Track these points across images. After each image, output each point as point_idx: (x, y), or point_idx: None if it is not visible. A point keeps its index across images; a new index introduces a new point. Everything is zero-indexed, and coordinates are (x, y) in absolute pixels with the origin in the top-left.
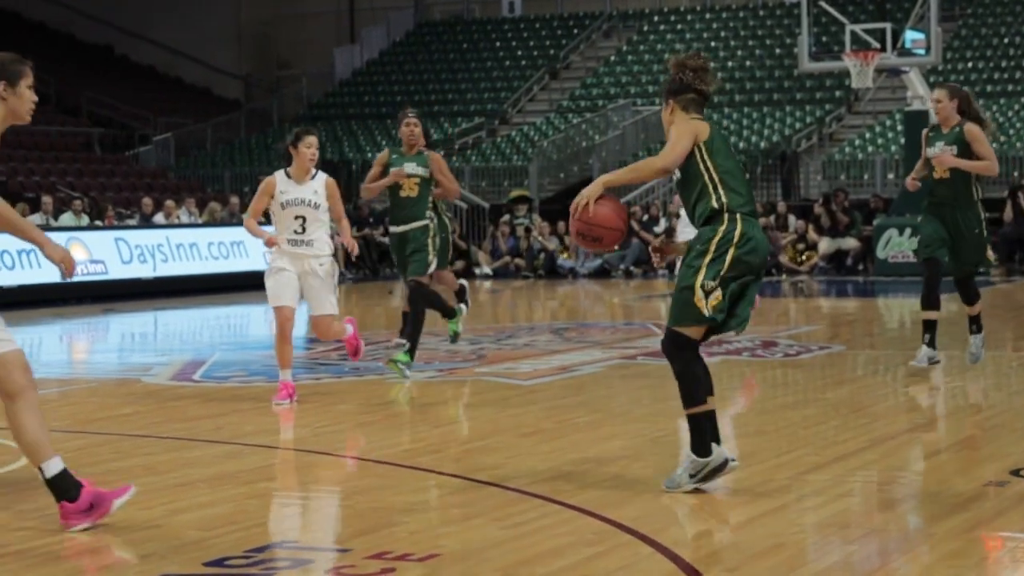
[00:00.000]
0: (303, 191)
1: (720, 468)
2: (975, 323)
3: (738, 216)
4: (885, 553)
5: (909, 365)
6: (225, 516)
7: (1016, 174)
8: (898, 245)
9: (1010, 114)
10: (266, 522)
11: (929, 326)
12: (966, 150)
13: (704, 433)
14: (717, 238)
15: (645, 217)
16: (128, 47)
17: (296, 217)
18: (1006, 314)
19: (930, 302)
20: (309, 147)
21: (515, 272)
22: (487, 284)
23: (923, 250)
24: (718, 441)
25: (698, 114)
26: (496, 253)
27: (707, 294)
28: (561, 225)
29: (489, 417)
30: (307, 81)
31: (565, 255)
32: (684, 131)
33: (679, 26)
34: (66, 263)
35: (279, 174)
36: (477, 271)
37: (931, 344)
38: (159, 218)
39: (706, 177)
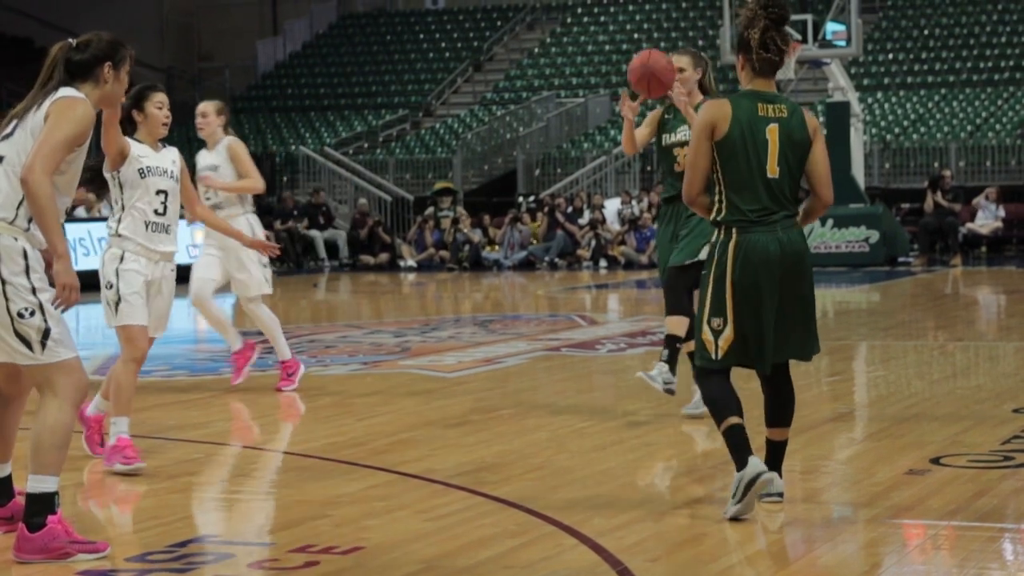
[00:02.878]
0: (162, 160)
1: (754, 480)
2: (670, 346)
3: (734, 229)
4: (807, 541)
5: (638, 376)
6: (147, 510)
7: (936, 164)
8: (820, 236)
9: (930, 105)
10: (188, 516)
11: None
12: None
13: (735, 447)
14: (714, 260)
15: (569, 209)
16: (49, 40)
17: (158, 192)
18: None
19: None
20: (161, 107)
21: (440, 265)
22: (411, 277)
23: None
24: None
25: (767, 77)
26: (420, 246)
27: (714, 333)
28: (485, 217)
29: (413, 410)
30: (230, 73)
31: (490, 248)
32: (695, 130)
33: (602, 18)
34: (69, 293)
35: (128, 139)
36: (401, 264)
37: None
38: (80, 212)
39: (717, 183)
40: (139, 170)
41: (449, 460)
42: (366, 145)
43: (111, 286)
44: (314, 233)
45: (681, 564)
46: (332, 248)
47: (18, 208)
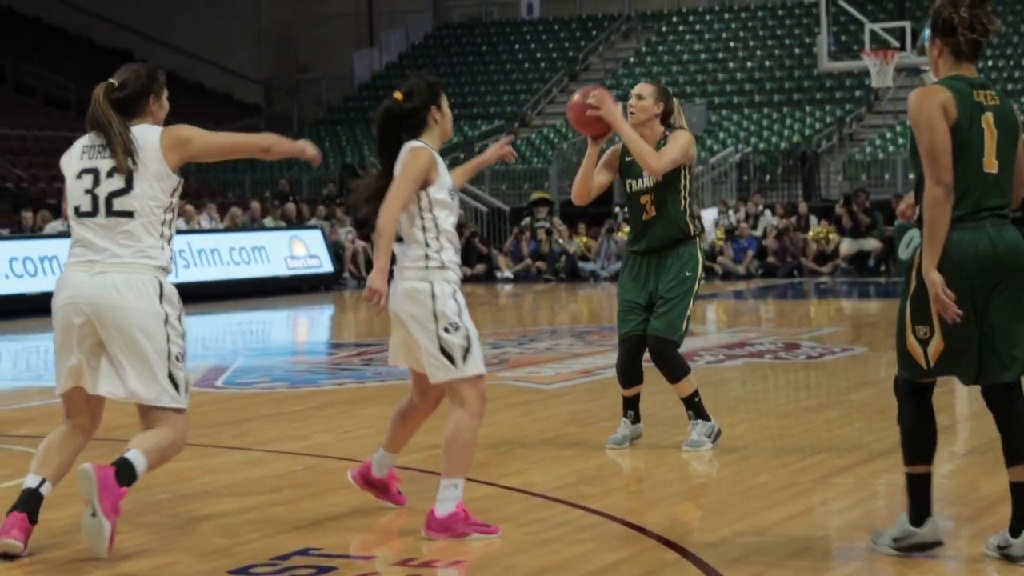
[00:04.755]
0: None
1: (927, 546)
2: (689, 406)
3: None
4: (910, 557)
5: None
6: (250, 523)
7: None
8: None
9: None
10: (291, 529)
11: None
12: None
13: (915, 498)
14: (916, 263)
15: None
16: (147, 52)
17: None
18: None
19: (630, 378)
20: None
21: (536, 275)
22: (508, 288)
23: (619, 326)
24: (929, 512)
25: (971, 62)
26: (517, 256)
27: (921, 342)
28: (581, 227)
29: (512, 422)
30: (326, 84)
31: (587, 255)
32: (925, 118)
33: (698, 26)
34: (312, 155)
35: (428, 147)
36: (498, 275)
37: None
38: (180, 224)
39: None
40: (450, 192)
41: (549, 473)
42: (462, 156)
43: (457, 328)
44: None
45: None
46: None
47: (161, 252)
